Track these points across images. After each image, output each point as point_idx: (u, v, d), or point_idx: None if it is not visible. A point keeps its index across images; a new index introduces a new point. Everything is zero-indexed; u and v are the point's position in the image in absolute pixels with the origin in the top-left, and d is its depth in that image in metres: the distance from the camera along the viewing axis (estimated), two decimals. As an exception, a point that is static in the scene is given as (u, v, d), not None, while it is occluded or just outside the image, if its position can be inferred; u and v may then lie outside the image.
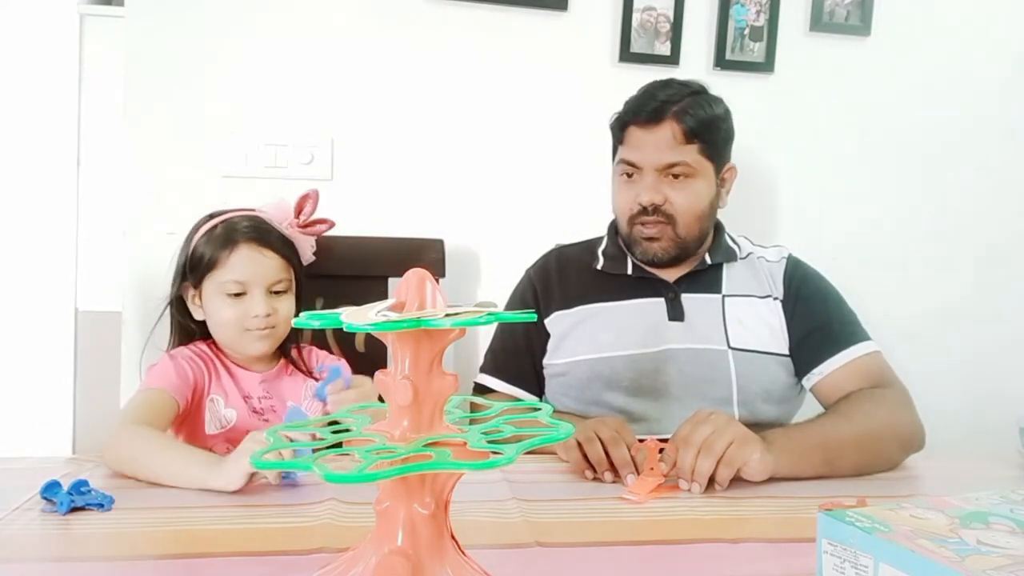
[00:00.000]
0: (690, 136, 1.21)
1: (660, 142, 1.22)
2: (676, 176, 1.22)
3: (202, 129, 1.57)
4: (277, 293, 1.15)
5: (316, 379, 1.20)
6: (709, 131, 1.22)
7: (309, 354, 1.25)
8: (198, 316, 1.16)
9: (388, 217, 1.63)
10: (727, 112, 1.28)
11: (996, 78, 1.86)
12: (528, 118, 1.68)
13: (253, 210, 1.19)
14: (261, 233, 1.15)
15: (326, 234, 1.32)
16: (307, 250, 1.23)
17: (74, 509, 0.80)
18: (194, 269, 1.14)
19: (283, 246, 1.17)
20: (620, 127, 1.28)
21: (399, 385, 0.50)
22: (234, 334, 1.13)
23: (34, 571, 0.69)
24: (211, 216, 1.19)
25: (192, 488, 0.88)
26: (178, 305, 1.18)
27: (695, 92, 1.25)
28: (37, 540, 0.75)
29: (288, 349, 1.21)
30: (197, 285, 1.15)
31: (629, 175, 1.26)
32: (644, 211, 1.24)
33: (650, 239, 1.25)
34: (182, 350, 1.16)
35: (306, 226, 1.22)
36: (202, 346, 1.17)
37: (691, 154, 1.22)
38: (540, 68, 1.68)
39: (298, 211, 1.22)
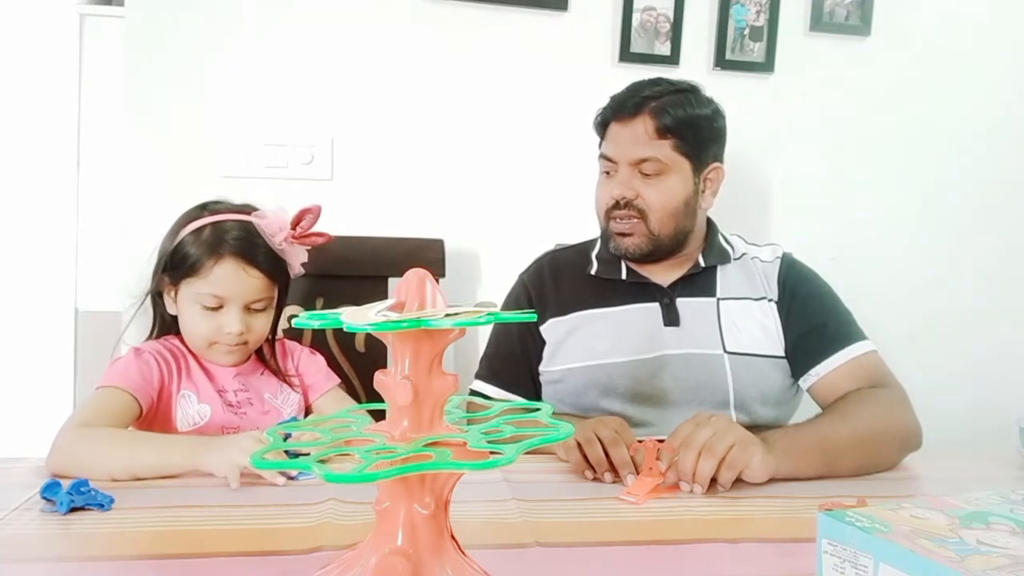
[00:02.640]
0: (663, 132, 1.20)
1: (633, 136, 1.22)
2: (647, 173, 1.21)
3: (202, 129, 1.57)
4: (255, 310, 1.10)
5: (290, 385, 1.17)
6: (687, 128, 1.21)
7: (282, 348, 1.20)
8: (171, 310, 1.12)
9: (388, 217, 1.63)
10: (716, 113, 1.26)
11: (996, 78, 1.86)
12: (528, 118, 1.69)
13: (250, 212, 1.13)
14: (249, 247, 1.08)
15: (327, 234, 1.30)
16: (297, 262, 1.15)
17: (74, 509, 0.80)
18: (175, 267, 1.09)
19: (269, 263, 1.10)
20: (602, 124, 1.28)
21: (399, 385, 0.50)
22: (204, 345, 1.10)
23: (34, 571, 0.69)
24: (203, 207, 1.13)
25: (178, 472, 0.90)
26: (157, 295, 1.14)
27: (680, 90, 1.24)
28: (37, 540, 0.75)
29: (261, 348, 1.17)
30: (175, 283, 1.10)
31: (608, 172, 1.27)
32: (617, 205, 1.24)
33: (622, 234, 1.25)
34: (150, 344, 1.12)
35: (300, 238, 1.14)
36: (174, 340, 1.13)
37: (664, 150, 1.21)
38: (540, 68, 1.68)
39: (295, 223, 1.13)
